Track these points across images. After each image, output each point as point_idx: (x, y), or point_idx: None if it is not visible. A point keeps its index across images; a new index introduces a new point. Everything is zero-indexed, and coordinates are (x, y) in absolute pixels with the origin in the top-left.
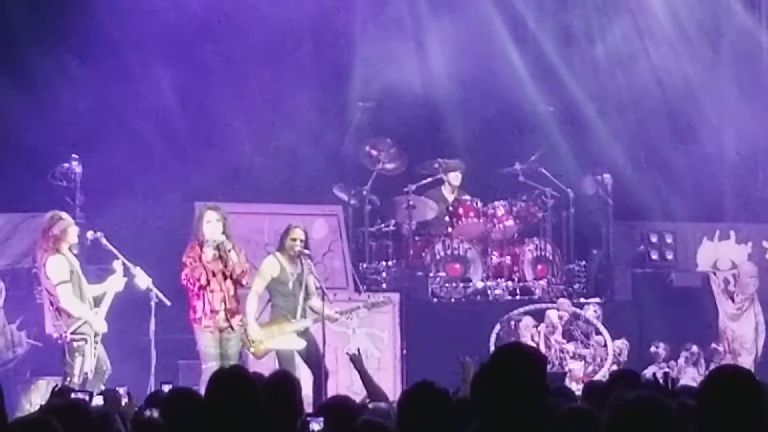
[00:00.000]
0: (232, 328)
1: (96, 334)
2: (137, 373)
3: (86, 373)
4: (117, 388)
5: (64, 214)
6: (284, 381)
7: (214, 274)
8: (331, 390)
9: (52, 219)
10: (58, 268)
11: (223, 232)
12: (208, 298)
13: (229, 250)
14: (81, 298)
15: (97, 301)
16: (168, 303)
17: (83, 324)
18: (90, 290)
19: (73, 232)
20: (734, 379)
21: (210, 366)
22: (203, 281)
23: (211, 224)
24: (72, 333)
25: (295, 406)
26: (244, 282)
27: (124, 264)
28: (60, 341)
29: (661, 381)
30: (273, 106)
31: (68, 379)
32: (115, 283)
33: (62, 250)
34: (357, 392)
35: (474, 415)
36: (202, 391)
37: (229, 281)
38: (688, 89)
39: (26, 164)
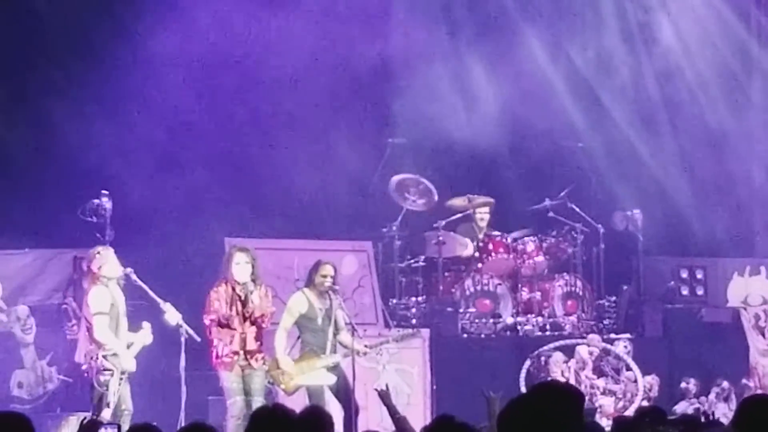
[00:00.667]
0: (253, 368)
1: (123, 372)
2: (167, 409)
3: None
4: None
5: (103, 249)
6: (317, 416)
7: (237, 314)
8: (362, 426)
9: (92, 254)
10: (99, 298)
11: (252, 273)
12: (227, 339)
13: (252, 292)
14: (116, 333)
15: (127, 346)
16: (198, 339)
17: (113, 356)
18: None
19: (112, 265)
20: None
21: (234, 401)
22: (223, 321)
23: (240, 266)
24: (103, 358)
25: None
26: (264, 325)
27: (153, 299)
28: (88, 369)
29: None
30: (305, 142)
31: (96, 411)
32: (144, 337)
33: (105, 283)
34: (387, 428)
35: None
36: (229, 428)
37: (248, 323)
38: (720, 129)
39: (56, 200)
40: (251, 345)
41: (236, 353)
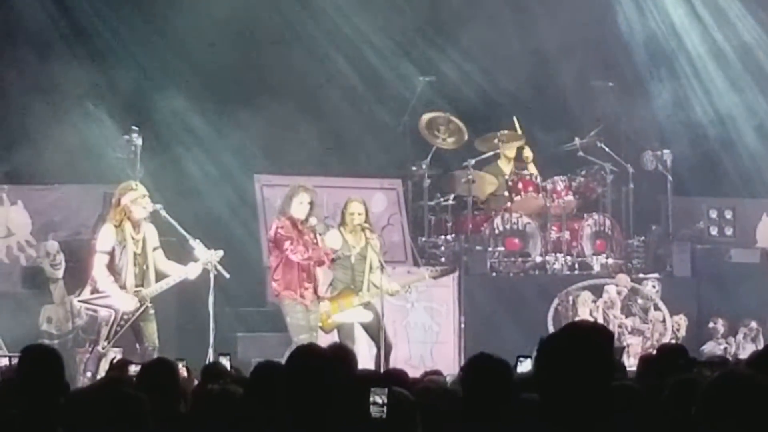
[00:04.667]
0: (317, 303)
1: (122, 313)
2: (195, 346)
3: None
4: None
5: (137, 185)
6: (342, 354)
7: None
8: (391, 363)
9: (124, 189)
10: (105, 237)
11: (313, 215)
12: (304, 276)
13: (321, 234)
14: (118, 272)
15: (160, 277)
16: (227, 276)
17: (102, 297)
18: (154, 265)
19: (140, 205)
20: None
21: (302, 338)
22: (304, 259)
23: (303, 206)
24: (82, 301)
25: (352, 379)
26: (326, 266)
27: (183, 236)
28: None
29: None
30: (332, 80)
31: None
32: (189, 271)
33: (118, 222)
34: (415, 365)
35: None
36: None
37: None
38: (751, 63)
39: (86, 137)
40: (317, 281)
41: (306, 289)
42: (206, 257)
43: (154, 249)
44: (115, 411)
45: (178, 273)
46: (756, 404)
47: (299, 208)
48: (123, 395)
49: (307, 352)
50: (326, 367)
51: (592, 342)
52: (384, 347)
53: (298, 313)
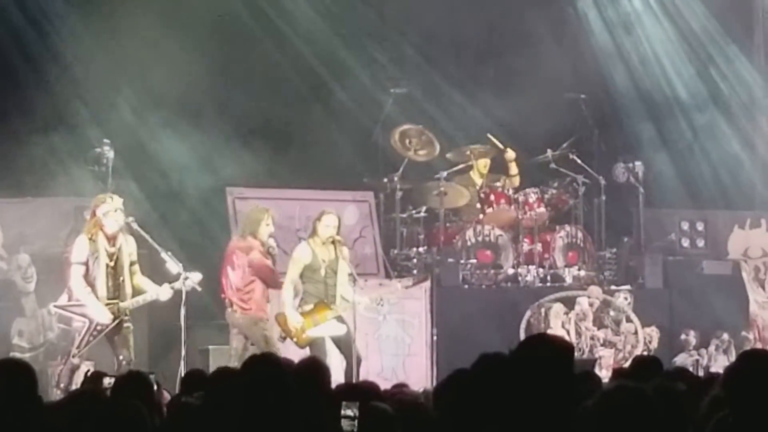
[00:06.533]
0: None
1: (96, 324)
2: (168, 360)
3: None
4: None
5: (112, 197)
6: (313, 367)
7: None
8: (362, 376)
9: (99, 200)
10: (79, 249)
11: (270, 235)
12: (257, 293)
13: (275, 255)
14: (92, 284)
15: (137, 291)
16: (199, 289)
17: (79, 306)
18: (130, 278)
19: (112, 218)
20: (763, 362)
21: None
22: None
23: (269, 227)
24: (58, 306)
25: (325, 392)
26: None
27: (155, 248)
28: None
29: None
30: (304, 91)
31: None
32: (161, 292)
33: (91, 234)
34: (387, 378)
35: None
36: None
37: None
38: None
39: (58, 150)
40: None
41: (259, 304)
42: (183, 282)
43: (132, 263)
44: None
45: (153, 291)
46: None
47: (266, 230)
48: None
49: (263, 360)
50: (284, 377)
51: (550, 355)
52: (354, 360)
53: (262, 330)
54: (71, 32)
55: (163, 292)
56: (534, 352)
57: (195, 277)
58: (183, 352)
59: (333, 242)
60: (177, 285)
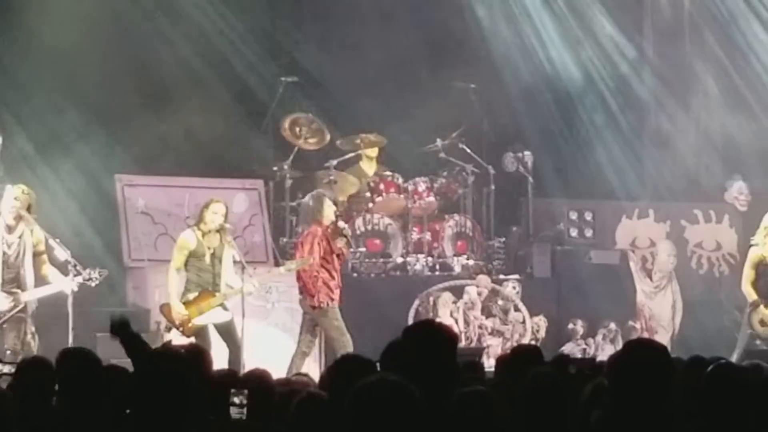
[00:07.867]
0: None
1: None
2: (55, 347)
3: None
4: None
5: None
6: (196, 354)
7: None
8: (249, 364)
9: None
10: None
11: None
12: None
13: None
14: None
15: (40, 282)
16: (97, 281)
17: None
18: (32, 269)
19: (7, 208)
20: (647, 352)
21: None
22: None
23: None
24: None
25: (207, 379)
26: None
27: (46, 237)
28: None
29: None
30: (197, 78)
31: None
32: (66, 285)
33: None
34: (276, 366)
35: None
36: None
37: None
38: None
39: None
40: None
41: None
42: (87, 275)
43: (38, 254)
44: None
45: (58, 283)
46: None
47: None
48: None
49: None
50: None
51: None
52: (239, 348)
53: None
54: None
55: (67, 284)
56: (418, 337)
57: (101, 274)
58: (70, 340)
59: (219, 230)
60: (86, 277)
